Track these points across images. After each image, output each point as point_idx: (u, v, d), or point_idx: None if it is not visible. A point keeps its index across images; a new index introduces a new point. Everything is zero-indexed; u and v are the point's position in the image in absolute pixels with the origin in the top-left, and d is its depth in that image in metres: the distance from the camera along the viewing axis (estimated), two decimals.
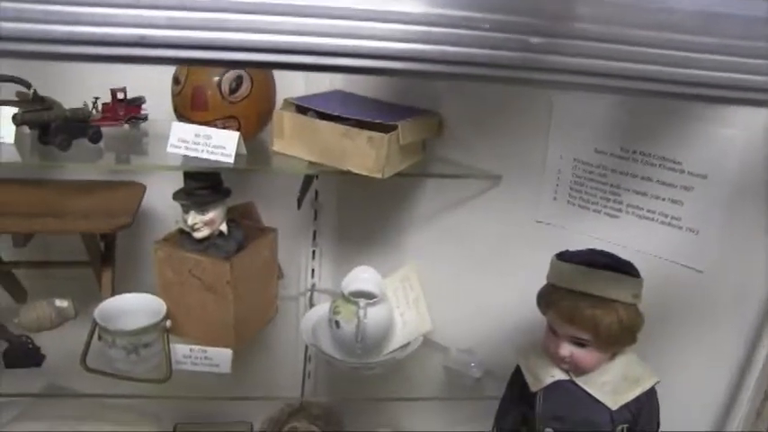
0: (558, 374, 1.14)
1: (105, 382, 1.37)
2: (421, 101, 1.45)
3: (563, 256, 1.12)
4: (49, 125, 1.31)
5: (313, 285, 1.79)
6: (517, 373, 1.25)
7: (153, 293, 1.45)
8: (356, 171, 1.27)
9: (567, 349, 1.10)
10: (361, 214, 1.67)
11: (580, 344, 1.09)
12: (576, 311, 1.06)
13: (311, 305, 1.75)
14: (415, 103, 1.45)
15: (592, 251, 1.13)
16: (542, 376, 1.15)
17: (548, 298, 1.12)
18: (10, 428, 1.59)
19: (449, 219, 1.51)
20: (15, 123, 1.29)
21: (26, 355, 1.42)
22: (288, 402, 1.86)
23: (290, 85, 1.48)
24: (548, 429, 1.14)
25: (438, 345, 1.54)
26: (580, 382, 1.12)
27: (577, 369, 1.12)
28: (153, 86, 1.44)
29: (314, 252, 1.76)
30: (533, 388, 1.16)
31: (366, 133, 1.24)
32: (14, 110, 1.31)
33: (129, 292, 1.47)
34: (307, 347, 1.52)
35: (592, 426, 1.10)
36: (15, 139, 1.30)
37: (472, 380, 1.44)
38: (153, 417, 1.73)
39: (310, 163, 1.34)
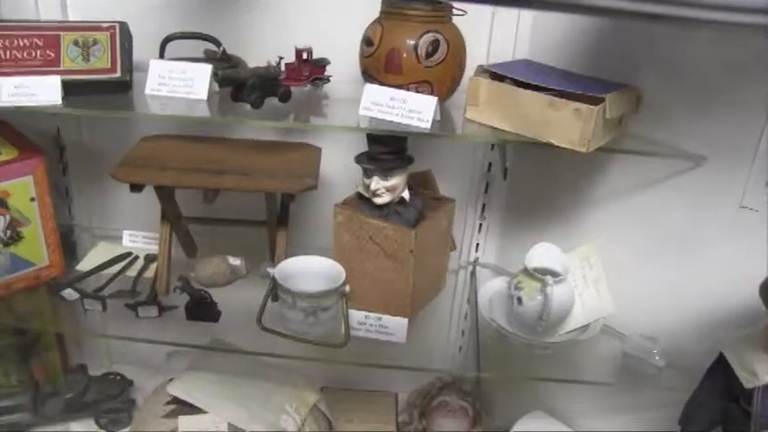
0: None
1: (262, 339, 1.39)
2: (614, 73, 1.39)
3: None
4: (245, 83, 1.32)
5: (476, 259, 1.77)
6: (719, 364, 1.20)
7: (321, 256, 1.47)
8: (558, 144, 1.23)
9: None
10: (534, 188, 1.64)
11: None
12: None
13: (472, 279, 1.73)
14: (606, 75, 1.39)
15: None
16: (761, 372, 1.10)
17: None
18: (181, 376, 1.64)
19: (637, 198, 1.45)
20: (217, 81, 1.31)
21: (205, 310, 1.47)
22: (439, 376, 1.86)
23: (473, 53, 1.44)
24: None
25: (611, 329, 1.50)
26: None
27: None
28: (334, 48, 1.45)
29: (480, 225, 1.74)
30: (748, 384, 1.11)
31: (573, 105, 1.20)
32: (209, 67, 1.33)
33: (297, 254, 1.48)
34: (478, 320, 1.50)
35: None
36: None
37: (654, 369, 1.39)
38: (304, 377, 1.76)
39: (500, 132, 1.31)
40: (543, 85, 1.26)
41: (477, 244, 1.77)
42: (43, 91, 1.29)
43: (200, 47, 1.48)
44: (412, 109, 1.26)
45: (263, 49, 1.44)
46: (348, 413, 1.88)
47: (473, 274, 1.76)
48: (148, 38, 1.42)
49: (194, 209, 1.60)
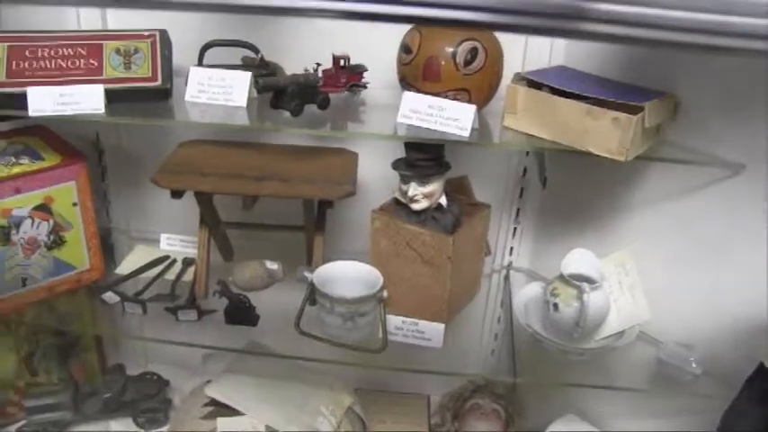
0: None
1: (298, 342, 1.41)
2: (649, 80, 1.40)
3: None
4: (285, 90, 1.34)
5: (510, 263, 1.79)
6: (759, 374, 1.20)
7: (357, 260, 1.49)
8: (597, 152, 1.24)
9: None
10: (569, 194, 1.64)
11: None
12: None
13: (506, 283, 1.74)
14: (641, 82, 1.40)
15: None
16: None
17: None
18: (218, 378, 1.68)
19: (674, 205, 1.45)
20: (257, 89, 1.33)
21: (244, 314, 1.49)
22: (471, 378, 1.87)
23: (508, 59, 1.44)
24: None
25: (646, 336, 1.50)
26: None
27: None
28: (370, 54, 1.46)
29: (515, 229, 1.75)
30: None
31: (611, 114, 1.21)
32: (248, 74, 1.35)
33: (332, 258, 1.50)
34: (512, 325, 1.52)
35: None
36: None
37: (690, 376, 1.40)
38: (340, 379, 1.79)
39: (538, 140, 1.32)
40: (581, 93, 1.27)
41: (512, 248, 1.78)
42: (87, 100, 1.31)
43: (237, 53, 1.50)
44: (450, 117, 1.27)
45: (300, 55, 1.46)
46: (380, 415, 1.90)
47: (507, 277, 1.77)
48: (186, 44, 1.45)
49: (231, 213, 1.62)
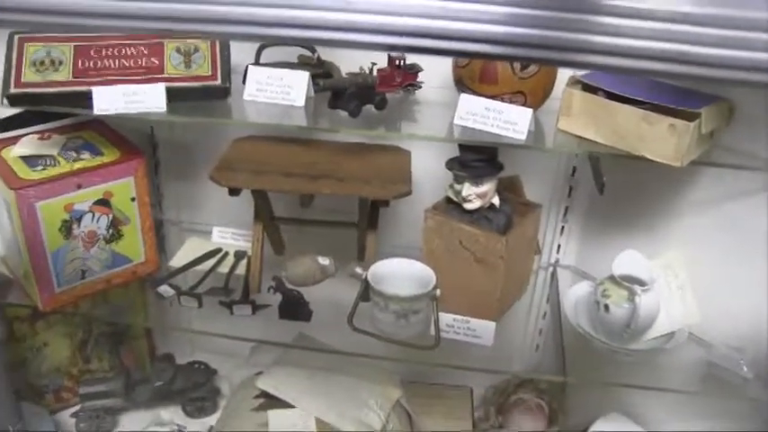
0: None
1: (348, 337, 1.47)
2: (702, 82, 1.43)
3: None
4: (344, 91, 1.40)
5: (557, 261, 1.84)
6: None
7: (408, 257, 1.55)
8: (652, 158, 1.29)
9: None
10: (618, 195, 1.68)
11: None
12: None
13: (553, 280, 1.80)
14: (695, 85, 1.43)
15: None
16: None
17: None
18: (269, 371, 1.77)
19: (723, 210, 1.50)
20: (317, 90, 1.39)
21: (298, 310, 1.56)
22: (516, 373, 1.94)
23: None
24: None
25: (696, 338, 1.55)
26: None
27: None
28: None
29: (563, 228, 1.81)
30: None
31: (668, 120, 1.25)
32: (306, 74, 1.41)
33: (382, 254, 1.57)
34: (561, 324, 1.57)
35: None
36: None
37: (741, 379, 1.45)
38: (388, 372, 1.86)
39: (592, 143, 1.36)
40: (636, 98, 1.31)
41: (559, 245, 1.83)
42: (149, 98, 1.39)
43: (294, 51, 1.56)
44: (508, 120, 1.33)
45: (355, 54, 1.51)
46: (423, 407, 1.95)
47: (553, 275, 1.83)
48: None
49: (284, 208, 1.69)
